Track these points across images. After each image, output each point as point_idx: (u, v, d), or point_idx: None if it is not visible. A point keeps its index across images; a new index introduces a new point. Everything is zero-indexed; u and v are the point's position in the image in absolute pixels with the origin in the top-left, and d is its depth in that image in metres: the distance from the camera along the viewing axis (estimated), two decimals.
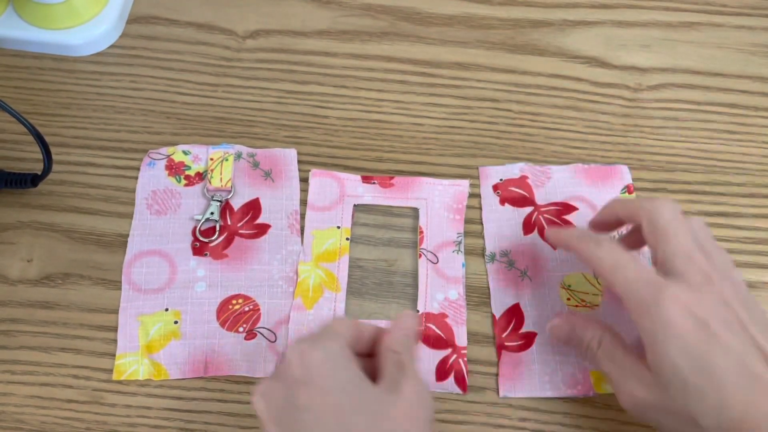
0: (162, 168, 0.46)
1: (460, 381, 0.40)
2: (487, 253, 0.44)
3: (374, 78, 0.50)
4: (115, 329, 0.41)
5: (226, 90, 0.50)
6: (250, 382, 0.40)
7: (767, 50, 0.52)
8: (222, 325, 0.41)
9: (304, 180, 0.46)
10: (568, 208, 0.45)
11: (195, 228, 0.44)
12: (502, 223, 0.44)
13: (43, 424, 0.39)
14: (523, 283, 0.43)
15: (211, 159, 0.45)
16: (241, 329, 0.41)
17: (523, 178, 0.46)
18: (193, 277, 0.42)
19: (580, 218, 0.45)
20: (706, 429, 0.30)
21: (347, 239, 0.44)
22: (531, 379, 0.40)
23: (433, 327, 0.41)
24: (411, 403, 0.31)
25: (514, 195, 0.45)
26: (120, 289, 0.42)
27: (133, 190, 0.45)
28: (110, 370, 0.40)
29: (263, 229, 0.44)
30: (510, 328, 0.41)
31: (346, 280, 0.43)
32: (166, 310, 0.41)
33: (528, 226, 0.44)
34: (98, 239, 0.44)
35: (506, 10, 0.53)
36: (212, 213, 0.44)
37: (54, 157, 0.42)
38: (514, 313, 0.42)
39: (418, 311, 0.42)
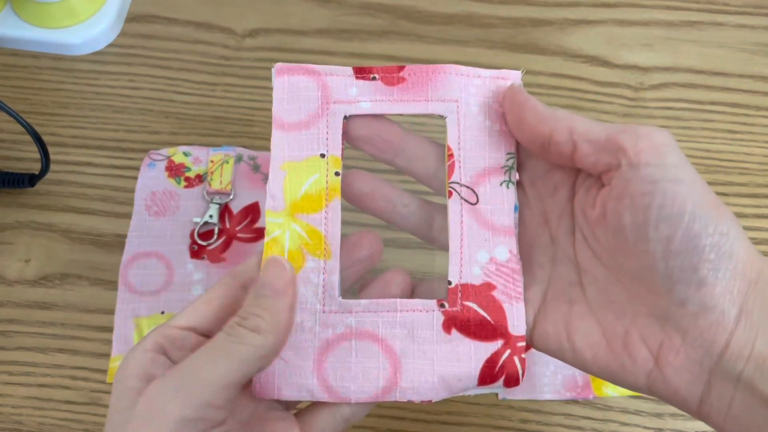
0: (162, 169, 0.45)
1: (513, 382, 0.28)
2: None
3: None
4: (112, 330, 0.41)
5: (225, 89, 0.49)
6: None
7: None
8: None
9: None
10: None
11: (193, 231, 0.43)
12: None
13: (41, 426, 0.39)
14: None
15: (212, 161, 0.45)
16: None
17: None
18: (190, 280, 0.42)
19: None
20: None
21: (337, 174, 0.30)
22: (531, 382, 0.40)
23: (475, 306, 0.28)
24: (143, 418, 0.23)
25: None
26: (118, 289, 0.42)
27: (132, 190, 0.45)
28: (108, 372, 0.40)
29: (262, 233, 0.43)
30: None
31: (339, 240, 0.29)
32: (162, 313, 0.41)
33: None
34: (96, 239, 0.44)
35: (507, 8, 0.53)
36: (211, 216, 0.43)
37: (52, 156, 0.42)
38: None
39: (450, 282, 0.28)
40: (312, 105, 0.30)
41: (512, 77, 0.30)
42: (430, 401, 0.28)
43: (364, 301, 0.28)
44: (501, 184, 0.29)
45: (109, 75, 0.50)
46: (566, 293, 0.27)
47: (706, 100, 0.50)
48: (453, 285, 0.28)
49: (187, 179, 0.45)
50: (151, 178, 0.45)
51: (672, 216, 0.23)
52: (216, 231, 0.43)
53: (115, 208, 0.45)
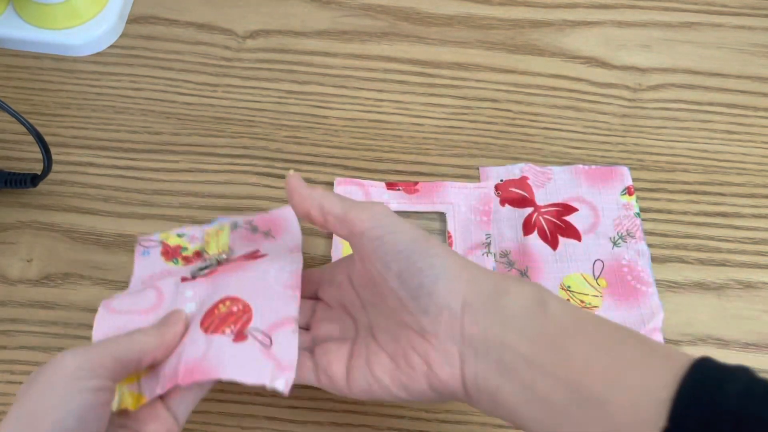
0: (158, 255, 0.41)
1: None
2: None
3: (374, 78, 0.50)
4: None
5: (226, 90, 0.50)
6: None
7: (767, 50, 0.52)
8: (205, 331, 0.33)
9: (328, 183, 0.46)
10: (568, 209, 0.45)
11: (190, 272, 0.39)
12: (502, 224, 0.45)
13: None
14: None
15: (207, 233, 0.41)
16: (227, 331, 0.33)
17: (524, 178, 0.46)
18: (181, 299, 0.36)
19: (580, 219, 0.45)
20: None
21: None
22: None
23: None
24: (44, 374, 0.29)
25: (514, 196, 0.45)
26: (121, 289, 0.42)
27: (134, 190, 0.45)
28: None
29: (261, 256, 0.40)
30: None
31: None
32: None
33: (528, 226, 0.44)
34: (98, 239, 0.44)
35: (506, 10, 0.54)
36: (209, 265, 0.39)
37: (54, 157, 0.42)
38: None
39: None
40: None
41: (488, 186, 0.45)
42: None
43: None
44: (483, 254, 0.43)
45: (110, 76, 0.50)
46: (364, 344, 0.34)
47: (704, 100, 0.50)
48: None
49: (185, 259, 0.41)
50: (147, 265, 0.41)
51: (396, 256, 0.31)
52: (205, 271, 0.39)
53: (116, 208, 0.45)
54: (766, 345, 0.42)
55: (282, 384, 0.32)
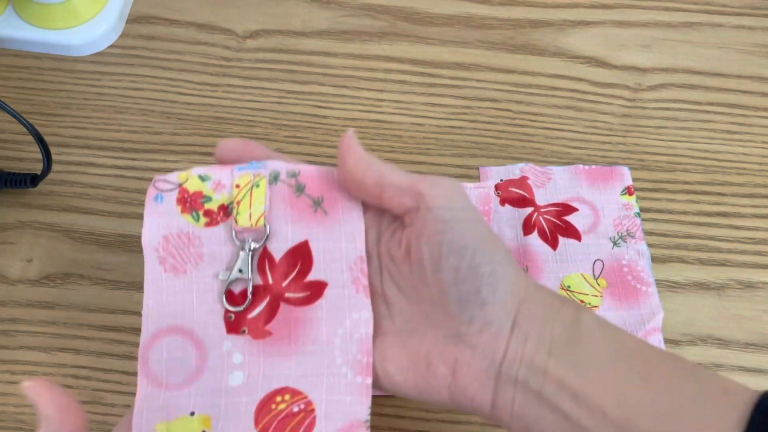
0: (173, 202, 0.31)
1: None
2: None
3: (374, 78, 0.50)
4: (114, 329, 0.41)
5: (226, 90, 0.50)
6: None
7: (767, 50, 0.52)
8: None
9: None
10: (568, 209, 0.45)
11: (223, 291, 0.31)
12: (501, 224, 0.44)
13: None
14: None
15: (237, 186, 0.31)
16: None
17: (524, 178, 0.46)
18: (228, 364, 0.30)
19: (581, 219, 0.45)
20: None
21: None
22: None
23: None
24: None
25: (514, 195, 0.45)
26: (121, 289, 0.42)
27: (134, 190, 0.45)
28: (110, 370, 0.40)
29: (318, 289, 0.31)
30: None
31: None
32: (192, 414, 0.29)
33: (528, 226, 0.44)
34: (98, 239, 0.44)
35: (506, 10, 0.53)
36: (240, 270, 0.31)
37: (54, 157, 0.42)
38: None
39: None
40: None
41: (488, 187, 0.43)
42: None
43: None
44: None
45: (110, 76, 0.50)
46: (378, 326, 0.30)
47: (704, 100, 0.50)
48: None
49: (207, 213, 0.31)
50: (160, 216, 0.31)
51: (459, 249, 0.28)
52: (250, 290, 0.31)
53: (116, 208, 0.45)
54: (766, 345, 0.42)
55: None
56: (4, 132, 0.48)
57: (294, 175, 0.32)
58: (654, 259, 0.44)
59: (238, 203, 0.31)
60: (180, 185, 0.32)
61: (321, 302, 0.31)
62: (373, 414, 0.39)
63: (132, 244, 0.44)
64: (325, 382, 0.30)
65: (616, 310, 0.42)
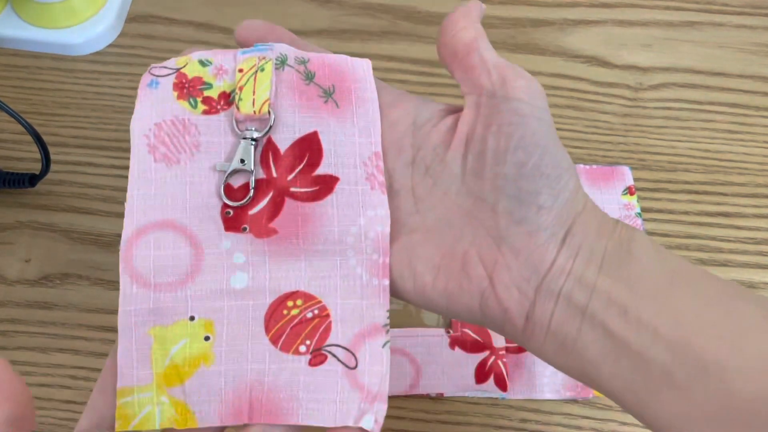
0: (169, 88, 0.29)
1: (500, 382, 0.39)
2: None
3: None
4: (113, 330, 0.41)
5: None
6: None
7: None
8: (274, 342, 0.26)
9: None
10: None
11: (226, 185, 0.28)
12: None
13: (41, 425, 0.39)
14: None
15: (240, 70, 0.29)
16: (302, 348, 0.26)
17: None
18: (229, 265, 0.27)
19: None
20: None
21: None
22: (531, 381, 0.40)
23: (469, 332, 0.41)
24: None
25: None
26: (119, 289, 0.42)
27: None
28: None
29: (328, 184, 0.28)
30: None
31: None
32: (192, 318, 0.26)
33: None
34: (97, 239, 0.44)
35: (506, 9, 0.53)
36: (242, 161, 0.28)
37: (52, 156, 0.42)
38: None
39: None
40: None
41: None
42: (442, 394, 0.40)
43: (395, 330, 0.40)
44: None
45: (109, 75, 0.50)
46: (405, 223, 0.28)
47: (706, 100, 0.50)
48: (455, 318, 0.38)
49: (206, 101, 0.29)
50: (155, 102, 0.29)
51: (529, 146, 0.26)
52: (252, 183, 0.28)
53: (115, 208, 0.45)
54: None
55: (370, 422, 0.25)
56: (2, 132, 0.47)
57: (303, 62, 0.29)
58: None
59: (241, 88, 0.28)
60: (178, 70, 0.29)
61: (331, 198, 0.28)
62: None
63: None
64: (339, 285, 0.27)
65: None
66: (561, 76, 0.50)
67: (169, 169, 0.28)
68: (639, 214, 0.45)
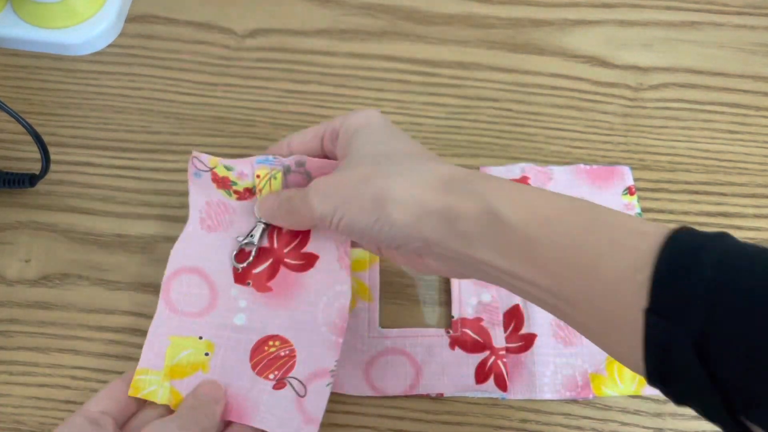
0: (209, 180, 0.40)
1: (500, 382, 0.40)
2: None
3: (374, 77, 0.50)
4: (113, 330, 0.41)
5: (225, 89, 0.49)
6: None
7: None
8: (254, 367, 0.37)
9: None
10: None
11: (235, 250, 0.39)
12: None
13: (41, 425, 0.39)
14: None
15: (257, 176, 0.39)
16: (271, 376, 0.36)
17: (525, 178, 0.46)
18: (234, 307, 0.38)
19: None
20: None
21: None
22: (531, 381, 0.40)
23: (469, 332, 0.41)
24: None
25: None
26: (120, 289, 0.42)
27: (133, 190, 0.45)
28: (108, 371, 0.40)
29: (311, 260, 0.39)
30: (510, 329, 0.41)
31: (378, 289, 0.42)
32: (200, 338, 0.37)
33: None
34: (97, 239, 0.44)
35: (507, 9, 0.53)
36: (252, 236, 0.39)
37: (52, 156, 0.42)
38: (514, 315, 0.42)
39: (453, 317, 0.41)
40: None
41: None
42: (442, 394, 0.40)
43: (396, 330, 0.41)
44: None
45: (109, 75, 0.50)
46: None
47: (706, 100, 0.50)
48: (455, 318, 0.41)
49: (236, 192, 0.40)
50: (201, 186, 0.40)
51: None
52: (254, 252, 0.39)
53: (115, 208, 0.45)
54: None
55: None
56: (2, 132, 0.47)
57: (302, 164, 0.38)
58: None
59: (260, 190, 0.39)
60: (211, 170, 0.39)
61: (312, 272, 0.38)
62: (373, 415, 0.39)
63: (130, 245, 0.44)
64: (307, 337, 0.37)
65: None
66: (561, 76, 0.50)
67: (208, 235, 0.40)
68: (639, 214, 0.44)
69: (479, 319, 0.41)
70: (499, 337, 0.41)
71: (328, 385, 0.36)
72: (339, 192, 0.33)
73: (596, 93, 0.50)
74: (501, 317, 0.41)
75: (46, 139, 0.41)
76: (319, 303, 0.38)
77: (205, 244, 0.39)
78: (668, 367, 0.24)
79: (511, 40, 0.52)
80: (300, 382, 0.36)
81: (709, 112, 0.49)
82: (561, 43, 0.52)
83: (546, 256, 0.27)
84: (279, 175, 0.38)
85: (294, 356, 0.37)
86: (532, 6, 0.53)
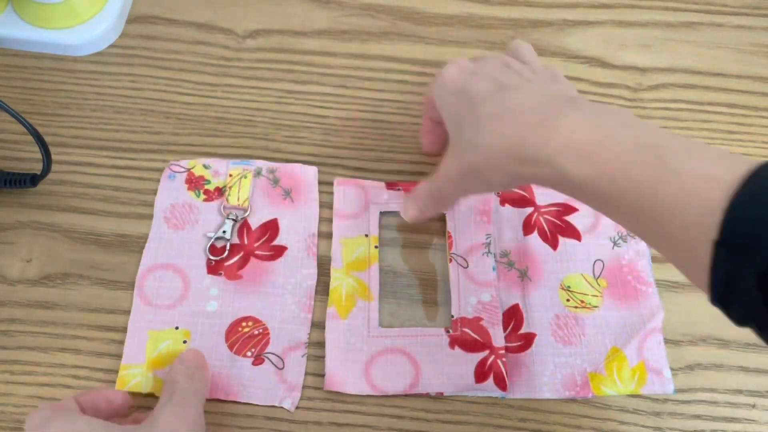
0: (182, 181, 0.45)
1: (500, 381, 0.40)
2: None
3: (374, 78, 0.50)
4: (114, 329, 0.41)
5: (226, 90, 0.50)
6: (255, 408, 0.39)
7: (767, 50, 0.52)
8: (230, 347, 0.40)
9: (326, 191, 0.46)
10: (568, 208, 0.45)
11: (207, 245, 0.43)
12: (502, 224, 0.44)
13: None
14: (523, 283, 0.43)
15: (230, 175, 0.45)
16: (249, 353, 0.40)
17: None
18: (206, 295, 0.42)
19: (581, 219, 0.45)
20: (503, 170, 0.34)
21: (376, 247, 0.43)
22: (530, 380, 0.40)
23: (469, 331, 0.41)
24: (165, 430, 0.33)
25: (514, 196, 0.45)
26: (120, 289, 0.42)
27: (133, 190, 0.45)
28: (110, 370, 0.40)
29: (280, 251, 0.43)
30: (510, 329, 0.41)
31: (378, 289, 0.42)
32: (176, 328, 0.41)
33: (528, 226, 0.44)
34: (97, 239, 0.44)
35: (506, 9, 0.53)
36: (224, 231, 0.43)
37: (53, 157, 0.42)
38: (514, 314, 0.42)
39: (452, 316, 0.42)
40: (359, 204, 0.45)
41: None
42: (442, 394, 0.40)
43: (395, 330, 0.41)
44: (482, 254, 0.43)
45: (110, 76, 0.50)
46: None
47: (705, 100, 0.50)
48: (455, 318, 0.42)
49: (206, 192, 0.45)
50: (171, 189, 0.45)
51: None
52: (228, 246, 0.43)
53: (116, 208, 0.45)
54: (766, 345, 0.41)
55: (289, 404, 0.39)
56: (3, 132, 0.47)
57: (272, 171, 0.45)
58: (654, 259, 0.44)
59: (230, 188, 0.44)
60: (189, 170, 0.45)
61: (281, 260, 0.43)
62: (372, 414, 0.40)
63: (131, 244, 0.44)
64: (278, 315, 0.41)
65: (616, 310, 0.42)
66: None
67: (176, 233, 0.44)
68: None
69: (479, 319, 0.41)
70: (498, 337, 0.41)
71: (303, 355, 0.40)
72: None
73: (595, 93, 0.50)
74: (500, 317, 0.41)
75: (47, 139, 0.41)
76: (287, 285, 0.42)
77: (174, 242, 0.43)
78: (731, 295, 0.27)
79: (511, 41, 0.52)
80: (277, 356, 0.40)
81: (708, 112, 0.49)
82: (560, 43, 0.52)
83: (616, 204, 0.30)
84: (249, 176, 0.45)
85: (268, 333, 0.41)
86: (532, 7, 0.54)
